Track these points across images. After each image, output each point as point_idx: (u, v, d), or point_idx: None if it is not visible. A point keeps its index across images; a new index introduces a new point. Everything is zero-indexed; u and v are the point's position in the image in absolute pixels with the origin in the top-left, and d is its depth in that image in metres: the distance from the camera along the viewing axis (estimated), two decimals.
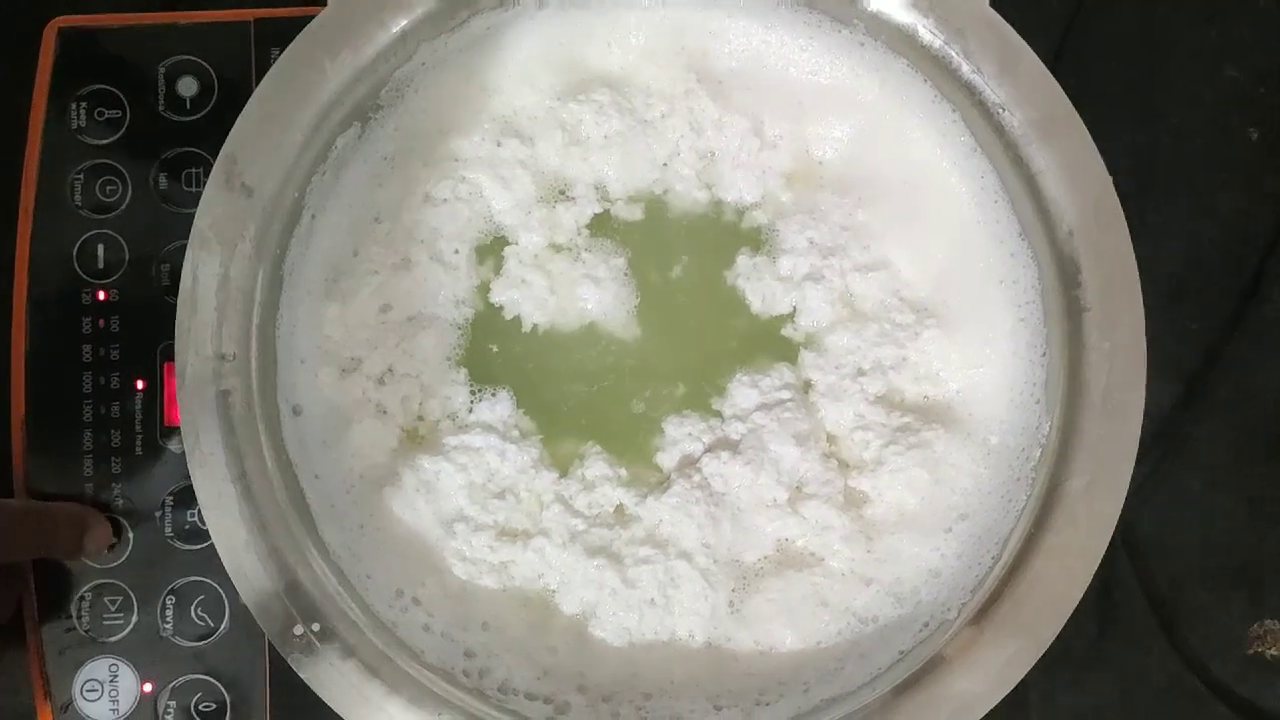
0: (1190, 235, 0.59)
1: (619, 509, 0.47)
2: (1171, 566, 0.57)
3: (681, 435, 0.47)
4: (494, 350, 0.49)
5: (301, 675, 0.41)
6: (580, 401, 0.49)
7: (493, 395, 0.48)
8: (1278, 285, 0.58)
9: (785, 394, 0.47)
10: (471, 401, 0.48)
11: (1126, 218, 0.44)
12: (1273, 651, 0.56)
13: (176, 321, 0.42)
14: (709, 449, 0.47)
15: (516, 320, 0.49)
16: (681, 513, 0.46)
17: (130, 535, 0.50)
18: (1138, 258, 0.44)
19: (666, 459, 0.47)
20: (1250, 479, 0.58)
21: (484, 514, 0.46)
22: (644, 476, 0.48)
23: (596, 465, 0.47)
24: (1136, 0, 0.60)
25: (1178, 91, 0.60)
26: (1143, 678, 0.57)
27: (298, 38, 0.44)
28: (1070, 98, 0.45)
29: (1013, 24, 0.45)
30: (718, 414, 0.48)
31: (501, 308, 0.49)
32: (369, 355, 0.47)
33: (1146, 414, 0.43)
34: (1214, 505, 0.57)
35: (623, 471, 0.47)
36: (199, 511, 0.50)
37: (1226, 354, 0.58)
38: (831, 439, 0.48)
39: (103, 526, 0.49)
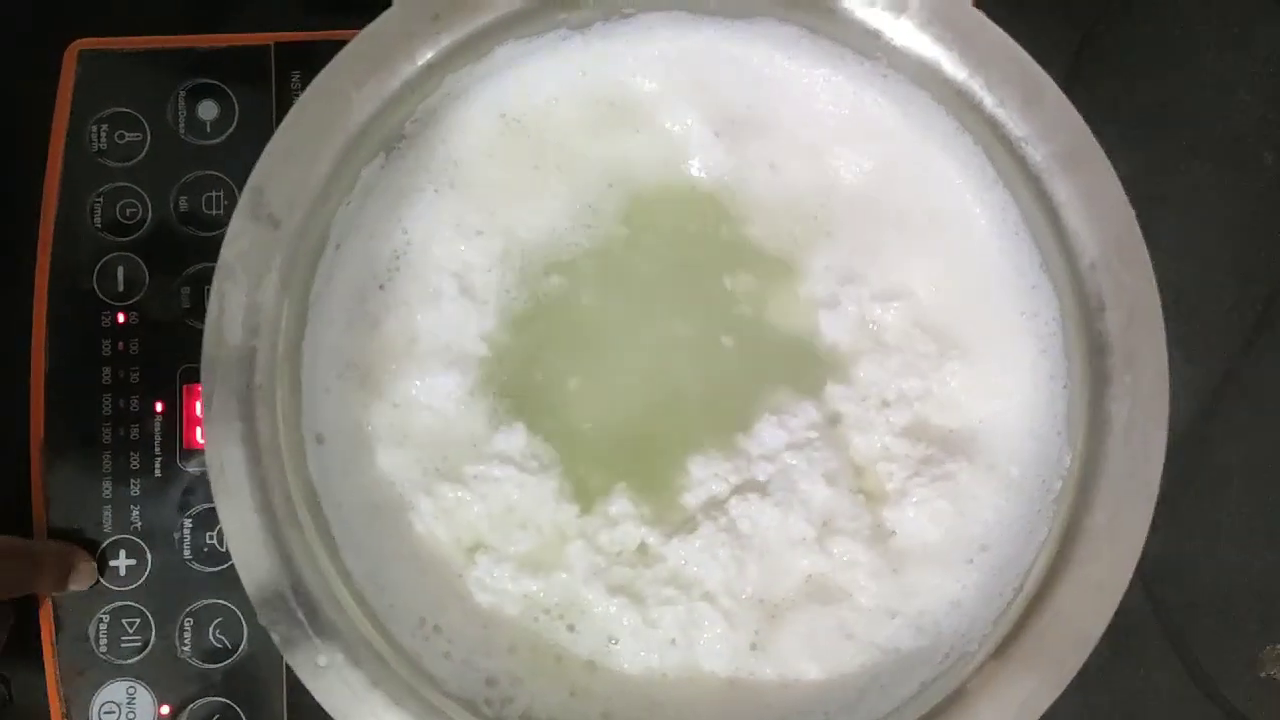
0: (1205, 259, 0.59)
1: (642, 547, 0.47)
2: (1183, 588, 0.57)
3: (708, 475, 0.47)
4: (514, 380, 0.48)
5: (326, 707, 0.41)
6: (601, 434, 0.48)
7: (510, 426, 0.47)
8: None
9: (814, 433, 0.47)
10: (491, 431, 0.47)
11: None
12: None
13: (203, 353, 0.42)
14: (736, 490, 0.47)
15: (535, 350, 0.49)
16: (707, 555, 0.46)
17: (149, 557, 0.50)
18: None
19: (692, 499, 0.47)
20: (1264, 501, 0.58)
21: (506, 544, 0.46)
22: (668, 515, 0.47)
23: (620, 503, 0.46)
24: (1150, 24, 0.60)
25: (1192, 116, 0.60)
26: (1153, 699, 0.57)
27: (324, 70, 0.44)
28: (1084, 120, 0.45)
29: (1027, 49, 0.45)
30: (744, 453, 0.47)
31: (519, 335, 0.49)
32: (390, 385, 0.47)
33: None
34: (1227, 527, 0.57)
35: (646, 510, 0.47)
36: (218, 533, 0.51)
37: (1241, 377, 0.58)
38: (858, 471, 0.47)
39: (87, 564, 0.50)
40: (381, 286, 0.48)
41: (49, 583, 0.49)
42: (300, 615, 0.41)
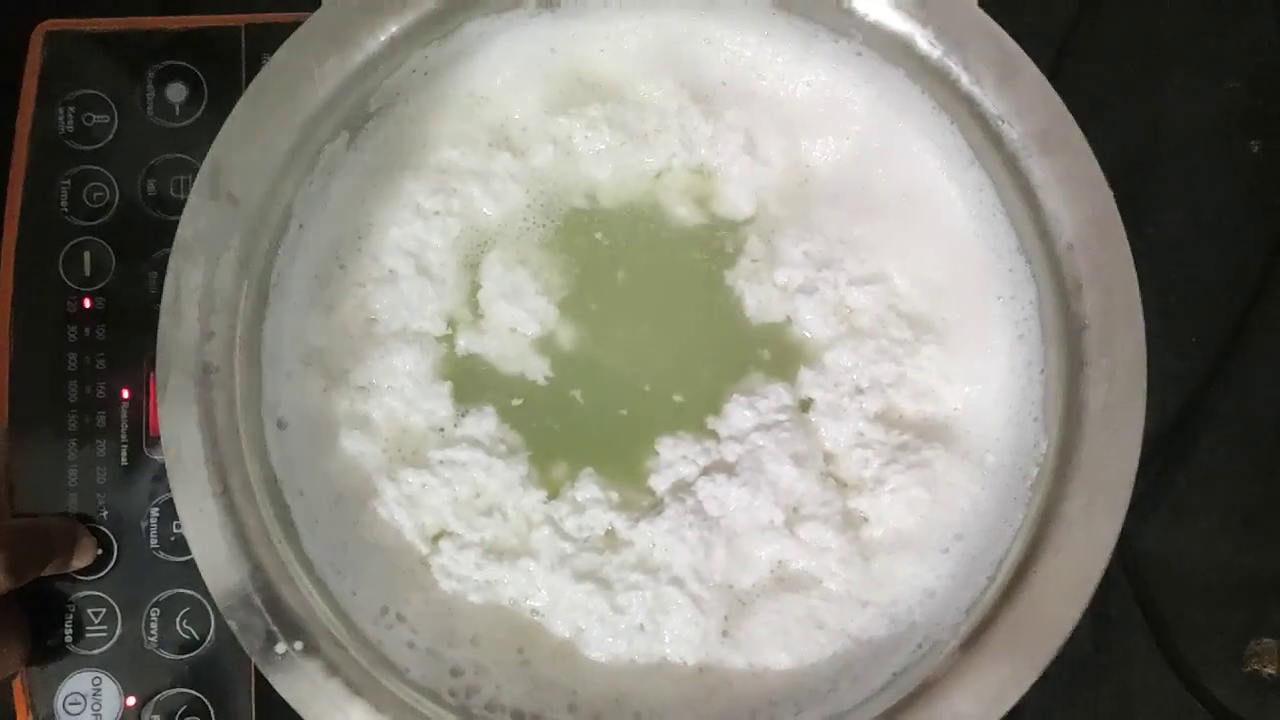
0: (1190, 248, 0.58)
1: (609, 533, 0.46)
2: (1169, 583, 0.56)
3: (675, 457, 0.46)
4: (481, 364, 0.48)
5: (285, 696, 0.41)
6: (570, 417, 0.48)
7: (478, 409, 0.47)
8: (1278, 300, 0.57)
9: (783, 415, 0.46)
10: (457, 416, 0.47)
11: (1125, 231, 0.43)
12: (1269, 670, 0.56)
13: (158, 333, 0.42)
14: (704, 471, 0.46)
15: (503, 332, 0.48)
16: (674, 537, 0.45)
17: (115, 547, 0.50)
18: (1137, 270, 0.43)
19: (660, 481, 0.46)
20: (1249, 495, 0.57)
21: (470, 531, 0.46)
22: (636, 500, 0.47)
23: (587, 487, 0.46)
24: (1136, 11, 0.60)
25: (1178, 103, 0.59)
26: (1138, 695, 0.56)
27: (285, 43, 0.44)
28: (1069, 109, 0.44)
29: (1011, 35, 0.45)
30: (713, 434, 0.47)
31: (486, 317, 0.48)
32: (354, 368, 0.47)
33: (1144, 429, 0.42)
34: (1212, 521, 0.57)
35: (614, 495, 0.46)
36: None
37: (1226, 369, 0.57)
38: (830, 457, 0.47)
39: (88, 539, 0.49)
40: (343, 267, 0.47)
41: (60, 560, 0.48)
42: (259, 603, 0.41)
